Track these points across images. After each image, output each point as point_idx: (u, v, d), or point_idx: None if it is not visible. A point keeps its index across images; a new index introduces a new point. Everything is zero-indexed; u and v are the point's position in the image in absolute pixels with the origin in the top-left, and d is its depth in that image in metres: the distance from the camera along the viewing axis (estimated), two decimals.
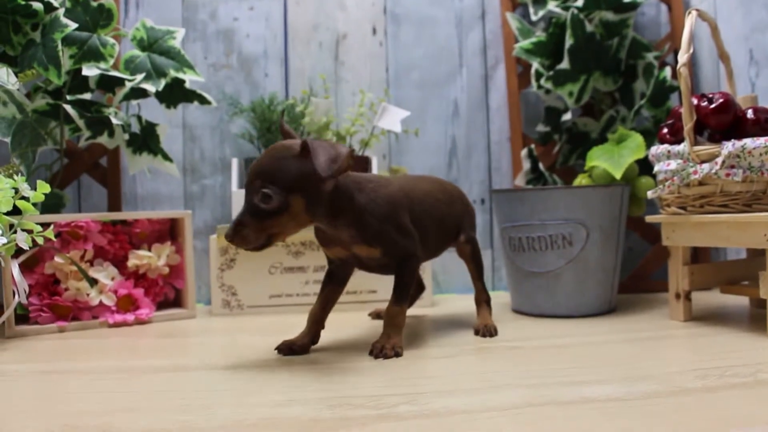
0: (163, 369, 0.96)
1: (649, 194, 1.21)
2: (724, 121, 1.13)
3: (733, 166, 1.09)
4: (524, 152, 1.56)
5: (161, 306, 1.45)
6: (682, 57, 1.13)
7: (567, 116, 1.55)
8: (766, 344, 0.98)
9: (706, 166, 1.11)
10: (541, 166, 1.54)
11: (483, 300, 1.19)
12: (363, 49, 1.67)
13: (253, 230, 0.86)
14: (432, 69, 1.69)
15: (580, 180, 1.40)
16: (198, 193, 1.63)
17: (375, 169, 1.52)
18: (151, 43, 1.41)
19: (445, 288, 1.65)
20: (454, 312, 1.39)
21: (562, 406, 0.71)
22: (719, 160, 1.08)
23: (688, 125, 1.12)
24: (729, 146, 1.07)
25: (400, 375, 0.87)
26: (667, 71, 1.46)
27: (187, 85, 1.43)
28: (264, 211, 0.85)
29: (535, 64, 1.52)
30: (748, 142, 1.06)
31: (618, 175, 1.31)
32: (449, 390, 0.78)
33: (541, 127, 1.60)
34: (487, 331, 1.11)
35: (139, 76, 1.35)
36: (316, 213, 0.89)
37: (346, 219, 0.93)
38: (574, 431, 0.63)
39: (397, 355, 0.95)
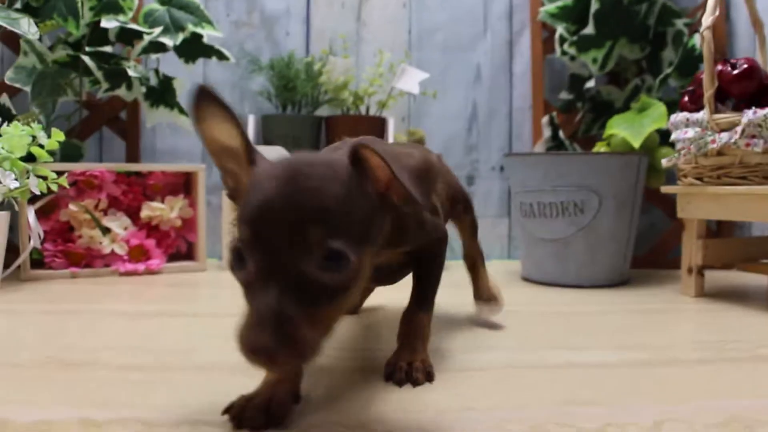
0: (161, 314, 0.98)
1: (664, 162, 1.17)
2: (747, 89, 1.08)
3: (754, 136, 1.04)
4: (545, 120, 1.52)
5: (173, 258, 1.47)
6: (707, 20, 1.08)
7: (590, 84, 1.50)
8: None
9: (725, 135, 1.06)
10: (561, 134, 1.50)
11: (479, 259, 0.97)
12: (386, 10, 1.65)
13: (312, 326, 0.45)
14: (455, 32, 1.66)
15: (599, 148, 1.36)
16: None
17: (391, 131, 1.50)
18: None
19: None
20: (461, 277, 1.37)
21: (544, 369, 0.70)
22: (739, 129, 1.04)
23: (708, 92, 1.08)
24: (749, 114, 1.02)
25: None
26: (697, 38, 1.40)
27: (206, 40, 1.43)
28: (329, 286, 0.46)
29: (560, 29, 1.47)
30: None
31: (636, 144, 1.27)
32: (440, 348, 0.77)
33: (564, 95, 1.56)
34: (491, 296, 0.92)
35: (157, 30, 1.36)
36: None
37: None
38: (547, 392, 0.62)
39: (430, 378, 0.64)
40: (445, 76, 1.65)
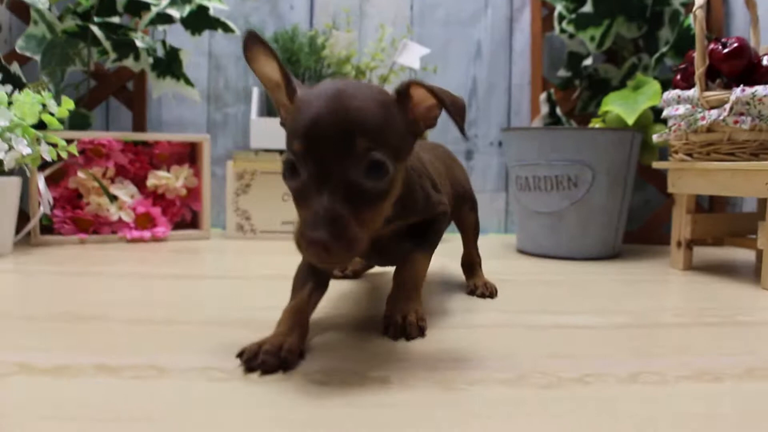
0: (168, 276, 1.02)
1: (655, 138, 1.20)
2: (737, 67, 1.11)
3: (742, 114, 1.07)
4: (543, 96, 1.55)
5: (178, 226, 1.51)
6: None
7: (588, 62, 1.53)
8: (756, 294, 0.99)
9: (714, 113, 1.10)
10: (558, 110, 1.53)
11: (477, 263, 0.99)
12: None
13: (360, 226, 0.53)
14: (457, 8, 1.68)
15: (594, 124, 1.39)
16: (221, 121, 1.68)
17: None
18: None
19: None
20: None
21: (531, 329, 0.74)
22: (727, 106, 1.07)
23: (699, 69, 1.11)
24: (737, 92, 1.05)
25: None
26: (692, 18, 1.42)
27: (212, 12, 1.46)
28: (371, 191, 0.54)
29: (559, 7, 1.50)
30: (759, 89, 1.04)
31: (630, 121, 1.30)
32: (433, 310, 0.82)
33: (562, 72, 1.58)
34: (486, 289, 0.92)
35: (165, 1, 1.38)
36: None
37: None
38: (532, 347, 0.67)
39: (422, 332, 0.67)
40: (446, 51, 1.67)
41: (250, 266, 1.14)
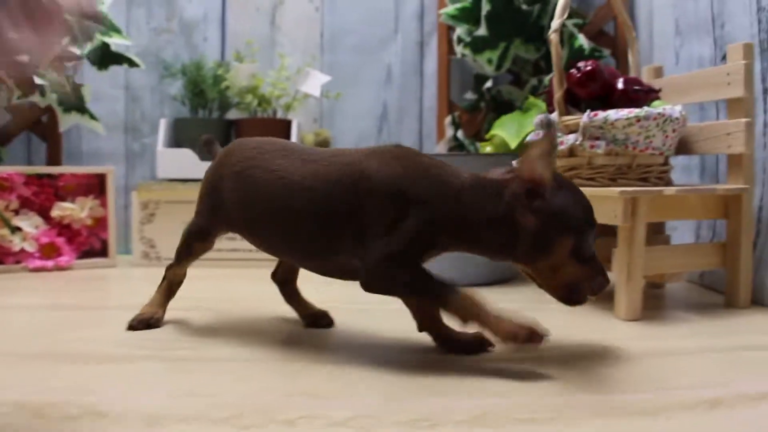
0: (33, 306, 1.04)
1: (514, 164, 1.18)
2: (591, 91, 1.09)
3: (597, 138, 1.05)
4: (447, 120, 1.54)
5: (88, 255, 1.54)
6: (555, 23, 1.09)
7: (489, 84, 1.52)
8: (610, 323, 0.96)
9: (572, 137, 1.07)
10: (460, 134, 1.52)
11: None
12: (299, 13, 1.69)
13: None
14: (367, 34, 1.69)
15: (484, 148, 1.38)
16: (138, 151, 1.71)
17: (295, 132, 1.54)
18: None
19: None
20: None
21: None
22: (580, 130, 1.05)
23: (557, 94, 1.09)
24: (584, 117, 1.03)
25: None
26: (582, 39, 1.40)
27: (114, 48, 1.49)
28: None
29: (459, 30, 1.49)
30: (611, 114, 1.02)
31: (513, 145, 1.28)
32: None
33: (469, 95, 1.57)
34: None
35: (64, 41, 1.42)
36: None
37: None
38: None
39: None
40: (357, 77, 1.68)
41: (126, 296, 1.16)
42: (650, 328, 0.92)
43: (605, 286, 0.74)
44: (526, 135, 1.29)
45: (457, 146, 1.52)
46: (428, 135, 1.68)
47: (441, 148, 1.55)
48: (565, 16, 1.10)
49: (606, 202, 1.02)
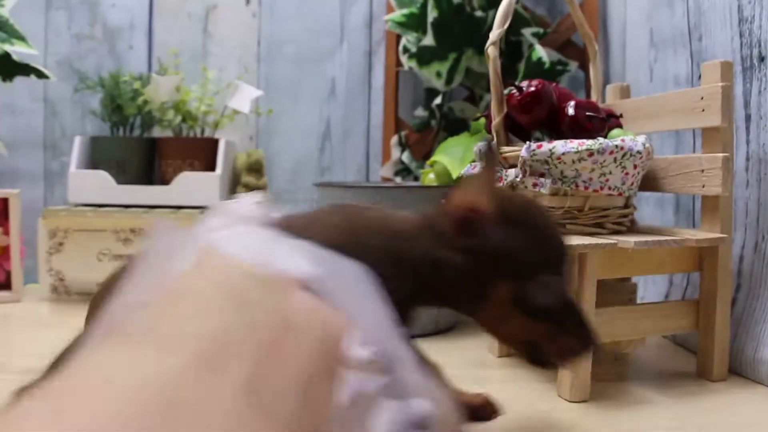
0: None
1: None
2: (535, 117, 0.91)
3: (542, 175, 0.87)
4: (394, 140, 1.37)
5: None
6: (494, 33, 0.91)
7: (438, 100, 1.34)
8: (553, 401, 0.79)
9: (512, 172, 0.90)
10: (406, 156, 1.34)
11: None
12: (234, 20, 1.52)
13: None
14: (309, 43, 1.51)
15: (425, 176, 1.20)
16: (58, 171, 1.54)
17: (222, 153, 1.36)
18: None
19: None
20: None
21: None
22: (519, 165, 0.87)
23: (495, 119, 0.91)
24: (524, 150, 0.85)
25: None
26: (539, 50, 1.22)
27: (17, 57, 1.32)
28: None
29: (404, 39, 1.32)
30: (558, 146, 0.84)
31: (455, 174, 1.11)
32: None
33: (419, 112, 1.40)
34: None
35: None
36: None
37: None
38: None
39: None
40: (297, 90, 1.51)
41: (29, 345, 0.99)
42: (599, 413, 0.75)
43: (580, 352, 0.58)
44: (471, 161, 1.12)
45: (403, 170, 1.35)
46: (375, 155, 1.51)
47: (386, 172, 1.38)
48: (506, 25, 0.92)
49: None
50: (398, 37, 1.43)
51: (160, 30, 1.51)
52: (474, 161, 1.01)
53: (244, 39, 1.51)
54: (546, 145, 0.85)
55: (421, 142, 1.40)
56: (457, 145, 1.16)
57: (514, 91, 0.92)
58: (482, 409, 0.65)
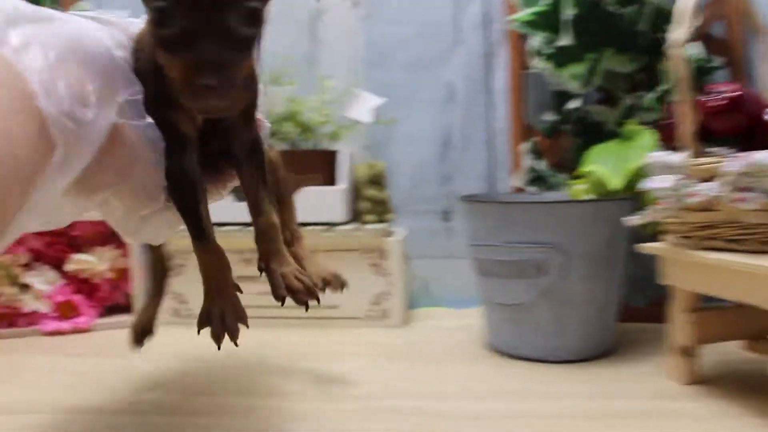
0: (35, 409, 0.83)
1: (634, 221, 0.92)
2: (732, 124, 0.84)
3: (746, 188, 0.79)
4: (524, 146, 1.29)
5: (112, 311, 1.34)
6: (677, 32, 0.84)
7: (575, 103, 1.26)
8: None
9: (707, 186, 0.82)
10: (540, 164, 1.27)
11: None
12: (342, 25, 1.45)
13: (239, 73, 0.53)
14: (422, 47, 1.44)
15: (575, 185, 1.12)
16: None
17: (344, 166, 1.31)
18: None
19: (437, 299, 1.45)
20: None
21: None
22: (722, 179, 0.80)
23: (688, 128, 0.84)
24: (732, 163, 0.78)
25: None
26: (694, 47, 1.13)
27: None
28: (248, 39, 0.54)
29: (535, 40, 1.24)
30: (761, 157, 0.76)
31: (616, 185, 1.03)
32: None
33: (548, 116, 1.32)
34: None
35: None
36: None
37: None
38: None
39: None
40: (411, 97, 1.44)
41: (148, 379, 0.95)
42: None
43: None
44: (631, 172, 1.04)
45: (535, 179, 1.28)
46: (500, 163, 1.43)
47: (517, 181, 1.31)
48: (692, 23, 0.85)
49: (755, 280, 0.76)
50: (521, 38, 1.35)
51: (265, 37, 1.45)
52: (644, 172, 0.93)
53: (352, 44, 1.45)
54: (752, 157, 0.77)
55: (552, 148, 1.33)
56: (608, 153, 1.09)
57: (707, 96, 0.84)
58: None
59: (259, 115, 0.69)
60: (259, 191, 0.67)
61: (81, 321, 1.26)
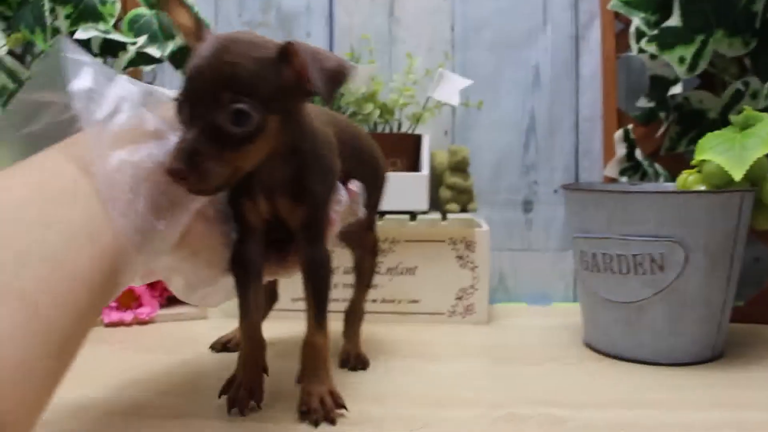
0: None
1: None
2: None
3: None
4: (618, 134, 1.22)
5: (173, 302, 1.27)
6: None
7: (677, 89, 1.19)
8: None
9: None
10: (639, 153, 1.20)
11: (359, 317, 0.96)
12: (423, 2, 1.38)
13: (217, 162, 0.58)
14: (508, 27, 1.37)
15: (685, 178, 1.05)
16: None
17: (427, 150, 1.25)
18: None
19: (514, 294, 1.38)
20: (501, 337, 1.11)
21: None
22: None
23: None
24: None
25: None
26: None
27: None
28: (235, 136, 0.58)
29: (637, 20, 1.16)
30: None
31: (738, 176, 0.96)
32: None
33: (643, 102, 1.25)
34: (359, 362, 0.90)
35: (141, 39, 1.15)
36: (284, 140, 0.64)
37: (291, 154, 0.67)
38: None
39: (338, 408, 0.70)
40: (496, 80, 1.37)
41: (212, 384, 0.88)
42: None
43: None
44: (754, 160, 0.97)
45: (631, 168, 1.20)
46: (587, 152, 1.36)
47: (611, 171, 1.24)
48: None
49: None
50: (615, 17, 1.28)
51: (340, 14, 1.39)
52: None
53: (435, 23, 1.38)
54: None
55: (648, 136, 1.25)
56: (724, 142, 1.01)
57: None
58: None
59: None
60: (309, 309, 0.72)
61: (142, 312, 1.19)
